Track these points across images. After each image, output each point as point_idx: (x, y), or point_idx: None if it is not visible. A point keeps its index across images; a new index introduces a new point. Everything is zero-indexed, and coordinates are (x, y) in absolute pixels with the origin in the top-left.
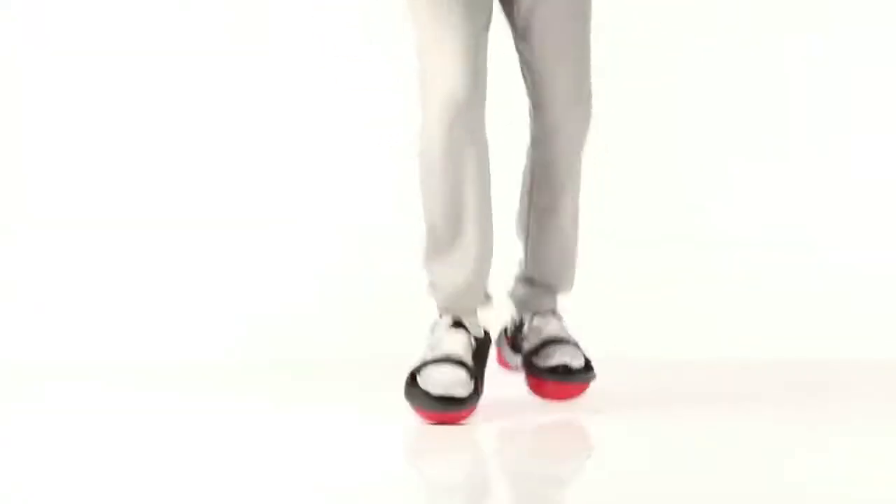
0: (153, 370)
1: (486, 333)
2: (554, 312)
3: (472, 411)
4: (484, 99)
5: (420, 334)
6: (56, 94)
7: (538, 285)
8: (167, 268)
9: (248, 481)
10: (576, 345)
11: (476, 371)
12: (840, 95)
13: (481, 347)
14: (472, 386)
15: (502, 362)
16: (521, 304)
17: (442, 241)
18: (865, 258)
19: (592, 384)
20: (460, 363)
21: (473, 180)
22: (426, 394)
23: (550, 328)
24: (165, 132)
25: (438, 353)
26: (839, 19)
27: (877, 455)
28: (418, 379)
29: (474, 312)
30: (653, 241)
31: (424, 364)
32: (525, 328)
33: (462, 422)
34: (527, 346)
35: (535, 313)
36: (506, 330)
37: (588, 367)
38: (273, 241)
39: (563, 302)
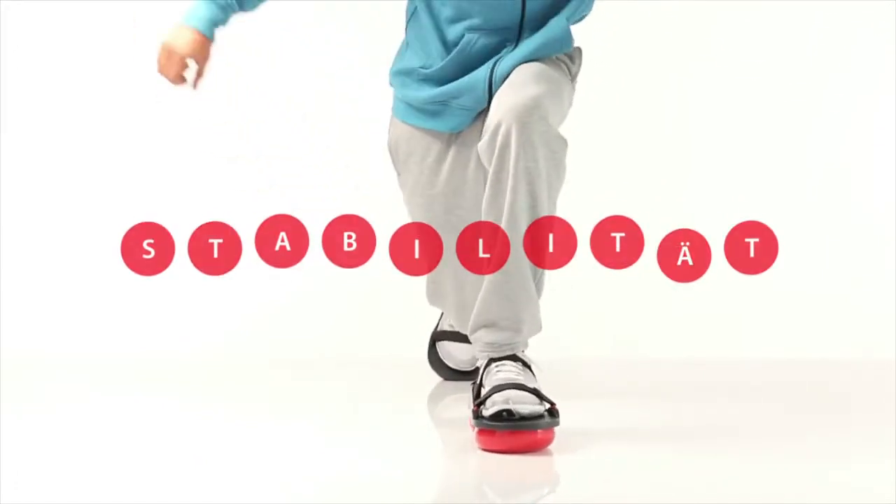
0: (149, 366)
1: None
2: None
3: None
4: None
5: (419, 334)
6: (51, 90)
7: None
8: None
9: (242, 480)
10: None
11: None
12: (840, 98)
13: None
14: (545, 407)
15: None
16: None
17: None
18: (865, 258)
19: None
20: (531, 391)
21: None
22: (507, 415)
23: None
24: (167, 127)
25: (503, 381)
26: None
27: (876, 456)
28: (485, 411)
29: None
30: (651, 237)
31: (491, 392)
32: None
33: (543, 448)
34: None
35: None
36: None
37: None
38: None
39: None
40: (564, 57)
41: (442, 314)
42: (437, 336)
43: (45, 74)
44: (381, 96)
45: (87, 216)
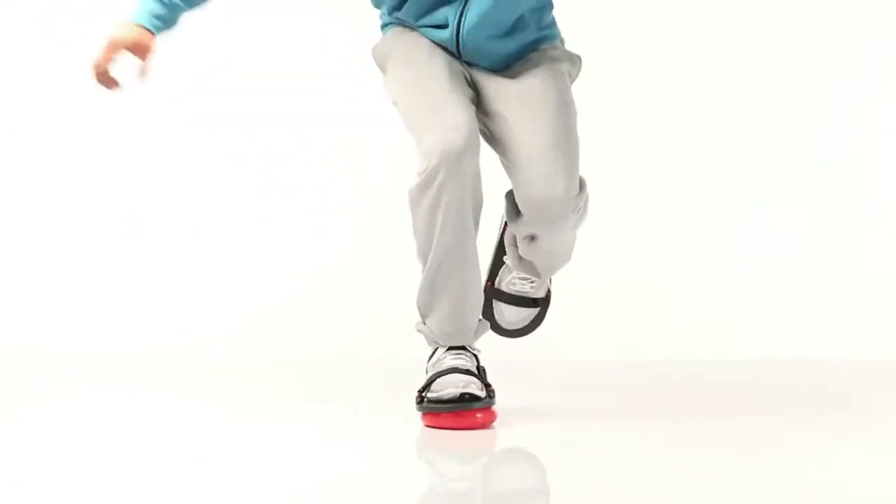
0: (149, 366)
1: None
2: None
3: (491, 417)
4: (479, 145)
5: (419, 334)
6: (54, 91)
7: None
8: (169, 262)
9: (242, 480)
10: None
11: (487, 382)
12: (843, 99)
13: (483, 370)
14: (486, 391)
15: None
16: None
17: (437, 282)
18: (865, 260)
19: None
20: (469, 372)
21: (468, 231)
22: (439, 400)
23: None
24: (172, 128)
25: (445, 367)
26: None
27: (878, 454)
28: (427, 395)
29: (472, 339)
30: (654, 241)
31: (431, 380)
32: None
33: (481, 426)
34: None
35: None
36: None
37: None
38: (273, 238)
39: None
40: (565, 69)
41: (501, 267)
42: (495, 294)
43: (47, 73)
44: (382, 96)
45: (88, 214)
